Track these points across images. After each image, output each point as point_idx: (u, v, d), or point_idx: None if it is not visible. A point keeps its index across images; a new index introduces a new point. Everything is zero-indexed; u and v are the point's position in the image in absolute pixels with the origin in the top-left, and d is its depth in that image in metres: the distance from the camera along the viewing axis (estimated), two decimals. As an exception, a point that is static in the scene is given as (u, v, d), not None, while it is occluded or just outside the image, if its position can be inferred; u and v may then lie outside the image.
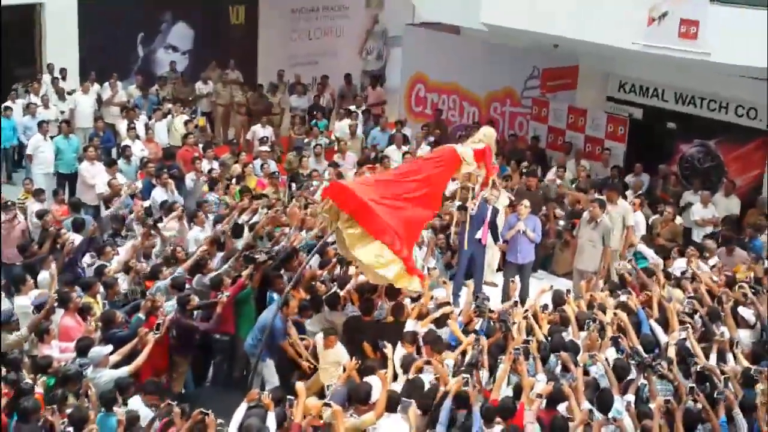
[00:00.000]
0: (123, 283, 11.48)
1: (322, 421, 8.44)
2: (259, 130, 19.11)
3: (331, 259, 12.37)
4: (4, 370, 8.97)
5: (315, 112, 20.97)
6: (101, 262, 11.91)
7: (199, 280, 11.51)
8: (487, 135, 11.88)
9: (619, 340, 10.10)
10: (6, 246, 12.75)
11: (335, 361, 10.18)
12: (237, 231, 12.99)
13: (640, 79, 18.10)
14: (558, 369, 9.64)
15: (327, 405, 8.47)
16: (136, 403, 8.92)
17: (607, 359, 9.68)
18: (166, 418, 8.45)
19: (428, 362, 9.37)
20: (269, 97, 21.41)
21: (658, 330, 10.71)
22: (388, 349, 9.75)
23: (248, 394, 8.78)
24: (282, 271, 11.61)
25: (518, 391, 9.03)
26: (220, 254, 12.31)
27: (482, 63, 20.36)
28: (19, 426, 8.30)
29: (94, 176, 15.33)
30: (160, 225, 13.14)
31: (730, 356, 10.24)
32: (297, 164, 17.34)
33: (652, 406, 8.87)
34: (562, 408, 8.76)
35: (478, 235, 13.01)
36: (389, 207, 10.43)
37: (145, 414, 8.75)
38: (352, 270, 11.92)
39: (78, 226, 13.07)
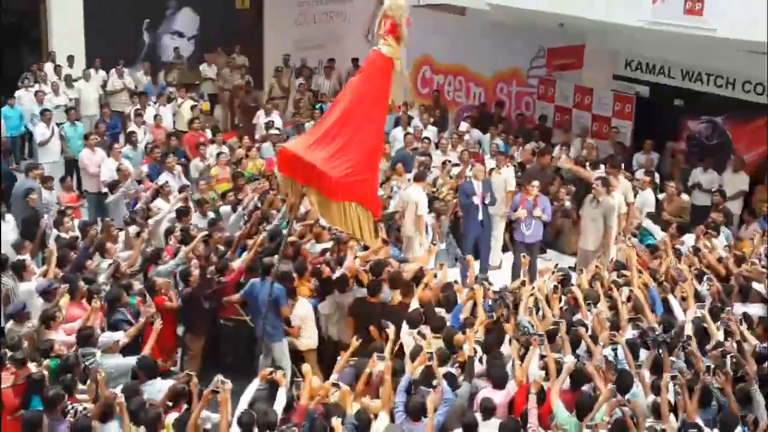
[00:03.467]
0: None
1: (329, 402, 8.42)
2: (263, 115, 19.09)
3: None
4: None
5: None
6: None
7: None
8: (392, 8, 10.94)
9: (638, 323, 9.97)
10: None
11: None
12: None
13: (646, 57, 18.00)
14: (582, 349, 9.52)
15: (335, 385, 8.49)
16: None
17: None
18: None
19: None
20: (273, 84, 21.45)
21: (676, 307, 10.69)
22: (390, 330, 9.57)
23: (260, 373, 8.76)
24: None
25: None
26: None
27: (488, 44, 20.32)
28: (46, 417, 8.13)
29: (95, 164, 15.32)
30: (162, 206, 13.16)
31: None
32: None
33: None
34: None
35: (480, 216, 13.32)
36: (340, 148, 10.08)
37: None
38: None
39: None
